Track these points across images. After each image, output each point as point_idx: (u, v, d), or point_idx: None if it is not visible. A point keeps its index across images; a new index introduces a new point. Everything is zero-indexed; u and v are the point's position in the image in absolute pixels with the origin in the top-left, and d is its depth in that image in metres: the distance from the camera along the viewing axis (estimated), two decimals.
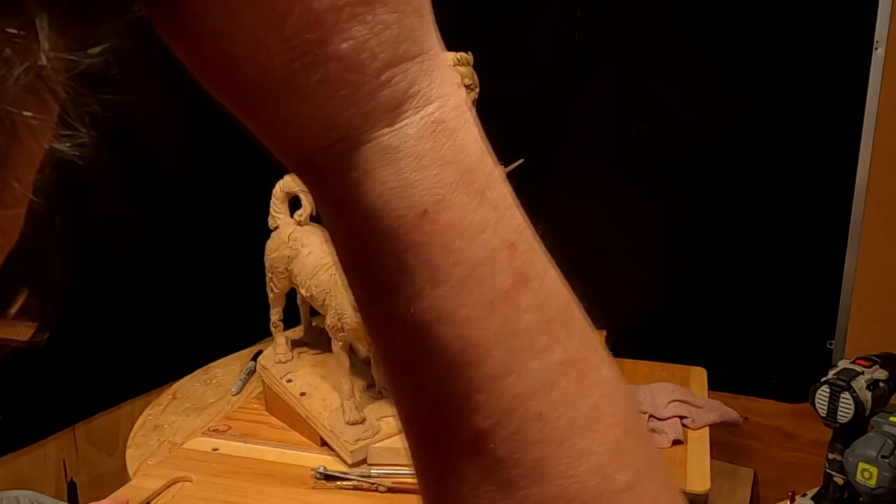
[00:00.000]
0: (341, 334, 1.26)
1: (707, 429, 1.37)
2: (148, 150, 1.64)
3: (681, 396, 1.41)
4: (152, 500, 1.19)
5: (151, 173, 1.65)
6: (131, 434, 1.44)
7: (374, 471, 1.21)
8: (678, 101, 1.62)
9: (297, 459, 1.28)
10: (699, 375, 1.57)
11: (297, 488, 1.19)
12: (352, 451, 1.23)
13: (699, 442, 1.33)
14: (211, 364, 1.71)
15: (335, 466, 1.24)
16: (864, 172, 1.44)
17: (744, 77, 1.55)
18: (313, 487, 1.19)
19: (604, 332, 1.70)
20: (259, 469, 1.26)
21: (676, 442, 1.32)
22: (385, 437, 1.26)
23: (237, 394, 1.57)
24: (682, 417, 1.37)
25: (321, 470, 1.20)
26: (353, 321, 1.22)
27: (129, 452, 1.38)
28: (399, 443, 1.24)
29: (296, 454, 1.30)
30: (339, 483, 1.19)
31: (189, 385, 1.62)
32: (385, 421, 1.28)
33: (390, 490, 1.16)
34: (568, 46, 1.72)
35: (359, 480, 1.18)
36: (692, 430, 1.36)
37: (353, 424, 1.26)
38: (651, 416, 1.37)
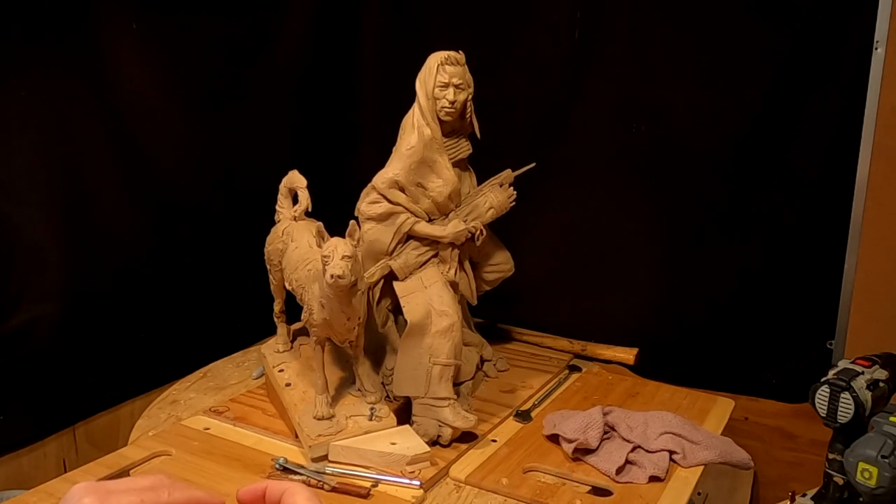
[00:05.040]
0: (313, 329, 1.28)
1: (698, 469, 1.26)
2: (148, 150, 1.64)
3: (677, 429, 1.31)
4: (131, 468, 1.24)
5: (151, 173, 1.66)
6: (151, 405, 1.51)
7: (329, 468, 1.22)
8: (678, 101, 1.62)
9: (270, 448, 1.30)
10: (723, 407, 1.49)
11: (253, 476, 1.22)
12: (310, 446, 1.24)
13: (683, 481, 1.23)
14: (251, 347, 1.77)
15: (299, 459, 1.25)
16: (864, 172, 1.44)
17: (744, 77, 1.55)
18: (268, 477, 1.20)
19: (635, 350, 1.69)
20: (232, 453, 1.29)
21: (654, 478, 1.22)
22: (350, 436, 1.26)
23: (257, 378, 1.60)
24: (672, 452, 1.27)
25: (281, 461, 1.22)
26: (318, 317, 1.23)
27: (138, 423, 1.44)
28: (361, 444, 1.24)
29: (272, 443, 1.33)
30: (291, 476, 1.20)
31: (222, 366, 1.68)
32: (353, 420, 1.29)
33: (334, 489, 1.17)
34: (568, 46, 1.72)
35: (308, 476, 1.19)
36: (683, 467, 1.26)
37: (319, 419, 1.27)
38: (638, 446, 1.28)
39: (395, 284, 1.39)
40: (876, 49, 1.41)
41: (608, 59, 1.68)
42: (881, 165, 1.42)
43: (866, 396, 1.13)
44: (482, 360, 1.59)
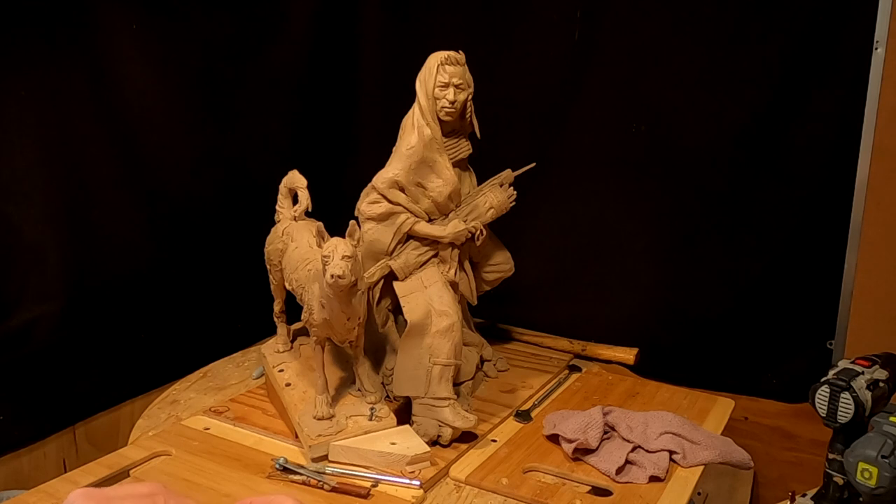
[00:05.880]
0: (313, 329, 1.28)
1: (698, 469, 1.26)
2: (148, 151, 1.64)
3: (677, 429, 1.30)
4: (131, 468, 1.24)
5: (152, 173, 1.66)
6: (151, 405, 1.51)
7: (329, 468, 1.22)
8: (678, 101, 1.62)
9: (270, 448, 1.30)
10: (723, 407, 1.48)
11: (253, 476, 1.21)
12: (310, 446, 1.24)
13: (683, 481, 1.22)
14: (251, 347, 1.76)
15: (299, 459, 1.25)
16: (864, 172, 1.44)
17: (744, 77, 1.55)
18: (268, 477, 1.21)
19: (635, 350, 1.69)
20: (232, 452, 1.29)
21: (654, 478, 1.22)
22: (350, 436, 1.26)
23: (257, 378, 1.60)
24: (672, 452, 1.27)
25: (281, 462, 1.22)
26: (318, 317, 1.23)
27: (138, 423, 1.44)
28: (361, 444, 1.24)
29: (272, 443, 1.33)
30: (291, 476, 1.20)
31: (222, 366, 1.69)
32: (353, 420, 1.29)
33: (334, 489, 1.17)
34: (568, 46, 1.72)
35: (308, 476, 1.19)
36: (683, 467, 1.26)
37: (319, 419, 1.27)
38: (638, 446, 1.28)
39: (395, 284, 1.39)
40: (876, 49, 1.41)
41: (608, 59, 1.68)
42: (881, 165, 1.42)
43: (866, 396, 1.13)
44: (482, 360, 1.59)
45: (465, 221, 1.42)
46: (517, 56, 1.78)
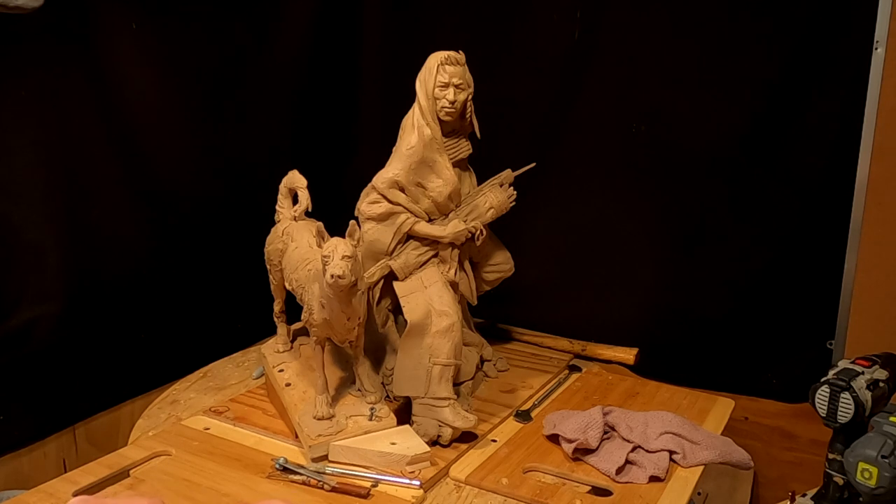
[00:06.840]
0: (313, 329, 1.28)
1: (698, 469, 1.26)
2: (149, 151, 1.64)
3: (677, 429, 1.30)
4: (131, 468, 1.24)
5: (152, 173, 1.66)
6: (151, 405, 1.52)
7: (329, 468, 1.22)
8: (678, 101, 1.62)
9: (270, 448, 1.30)
10: (723, 406, 1.48)
11: (252, 476, 1.21)
12: (310, 446, 1.24)
13: (683, 481, 1.22)
14: (251, 347, 1.77)
15: (299, 459, 1.25)
16: (864, 172, 1.44)
17: (744, 77, 1.55)
18: (268, 477, 1.21)
19: (635, 350, 1.69)
20: (232, 452, 1.29)
21: (654, 478, 1.22)
22: (350, 436, 1.26)
23: (257, 378, 1.60)
24: (672, 452, 1.27)
25: (281, 462, 1.22)
26: (318, 317, 1.23)
27: (138, 423, 1.45)
28: (361, 444, 1.24)
29: (272, 443, 1.33)
30: (291, 476, 1.20)
31: (222, 366, 1.69)
32: (353, 420, 1.29)
33: (334, 489, 1.17)
34: (568, 46, 1.72)
35: (308, 476, 1.19)
36: (683, 467, 1.26)
37: (319, 419, 1.27)
38: (638, 446, 1.28)
39: (395, 284, 1.39)
40: (876, 49, 1.41)
41: (608, 59, 1.68)
42: (881, 165, 1.42)
43: (866, 396, 1.13)
44: (482, 360, 1.60)
45: (465, 221, 1.42)
46: (517, 56, 1.78)
